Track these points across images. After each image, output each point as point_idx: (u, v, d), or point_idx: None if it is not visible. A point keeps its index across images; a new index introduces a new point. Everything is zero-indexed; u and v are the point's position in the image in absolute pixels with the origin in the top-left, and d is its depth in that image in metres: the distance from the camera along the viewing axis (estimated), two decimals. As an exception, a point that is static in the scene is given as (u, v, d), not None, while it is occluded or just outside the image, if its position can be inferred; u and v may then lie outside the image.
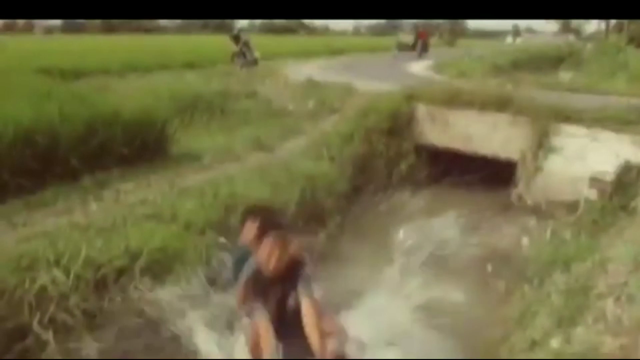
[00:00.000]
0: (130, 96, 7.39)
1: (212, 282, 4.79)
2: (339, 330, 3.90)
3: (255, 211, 4.15)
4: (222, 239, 5.03)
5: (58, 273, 4.32)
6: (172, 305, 4.53)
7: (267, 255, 3.72)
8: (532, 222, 7.43)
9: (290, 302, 3.86)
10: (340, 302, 4.97)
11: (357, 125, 8.45)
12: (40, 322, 4.17)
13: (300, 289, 3.82)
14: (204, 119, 8.98)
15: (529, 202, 8.18)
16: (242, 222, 4.15)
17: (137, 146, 6.80)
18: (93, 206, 5.54)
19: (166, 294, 4.59)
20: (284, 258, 3.78)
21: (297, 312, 3.82)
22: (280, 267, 3.77)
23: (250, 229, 3.99)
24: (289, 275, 3.84)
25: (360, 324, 4.67)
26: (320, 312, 3.89)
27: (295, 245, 3.99)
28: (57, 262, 4.41)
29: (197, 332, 4.48)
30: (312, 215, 6.38)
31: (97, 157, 6.39)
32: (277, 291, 3.85)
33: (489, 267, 6.15)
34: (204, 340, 4.45)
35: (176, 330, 4.46)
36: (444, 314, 4.99)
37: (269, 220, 4.00)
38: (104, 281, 4.47)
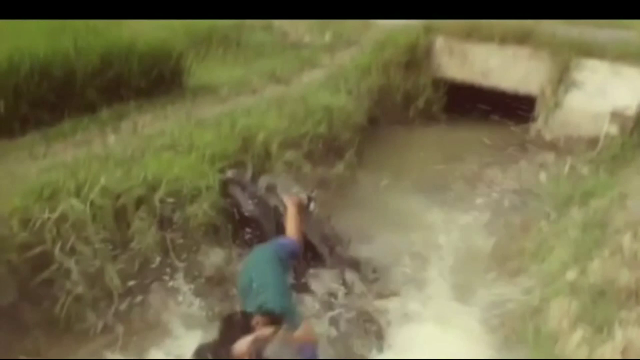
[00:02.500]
0: (145, 29, 7.26)
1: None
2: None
3: None
4: (235, 171, 5.05)
5: (78, 202, 4.37)
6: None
7: None
8: (550, 157, 7.38)
9: None
10: (356, 235, 5.03)
11: (374, 58, 8.30)
12: (62, 250, 4.25)
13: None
14: (220, 52, 8.84)
15: (548, 137, 8.08)
16: None
17: (153, 78, 6.75)
18: (111, 138, 5.56)
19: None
20: None
21: None
22: None
23: None
24: None
25: (376, 252, 4.77)
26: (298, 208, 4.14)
27: None
28: (77, 192, 4.45)
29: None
30: (330, 148, 6.36)
31: (113, 89, 6.36)
32: None
33: (506, 202, 6.14)
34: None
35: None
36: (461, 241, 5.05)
37: None
38: (124, 210, 4.53)
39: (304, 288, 4.46)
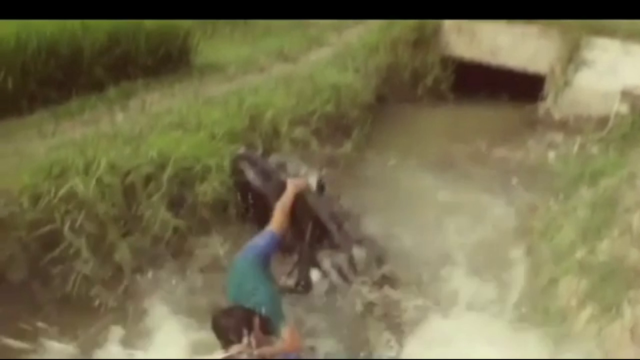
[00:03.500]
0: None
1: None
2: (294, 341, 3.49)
3: None
4: (244, 148, 5.04)
5: (88, 180, 4.39)
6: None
7: None
8: (559, 137, 7.35)
9: None
10: (364, 213, 5.02)
11: (382, 36, 8.24)
12: (71, 228, 4.27)
13: None
14: (227, 30, 8.80)
15: (557, 116, 8.02)
16: None
17: (161, 57, 6.74)
18: (119, 116, 5.56)
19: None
20: None
21: None
22: None
23: None
24: None
25: (385, 230, 4.77)
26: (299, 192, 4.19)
27: None
28: (86, 170, 4.47)
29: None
30: (338, 126, 6.35)
31: (121, 67, 6.36)
32: None
33: (514, 181, 6.12)
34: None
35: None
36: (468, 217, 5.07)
37: None
38: (132, 188, 4.54)
39: (312, 263, 4.48)
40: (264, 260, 3.66)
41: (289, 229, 4.58)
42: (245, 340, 3.12)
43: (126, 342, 4.04)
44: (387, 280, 4.49)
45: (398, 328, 4.13)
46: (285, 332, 3.33)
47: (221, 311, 3.29)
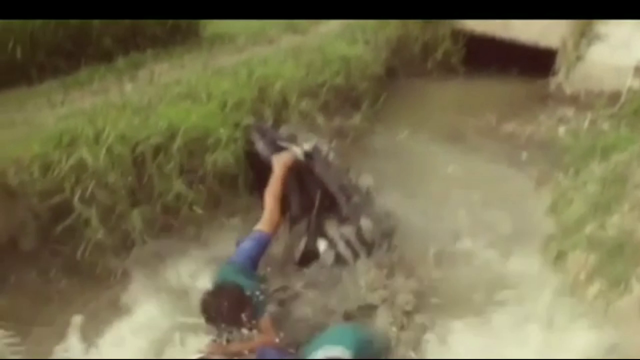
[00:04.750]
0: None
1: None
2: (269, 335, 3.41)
3: None
4: (255, 119, 5.03)
5: (97, 150, 4.39)
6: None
7: None
8: (570, 112, 7.28)
9: None
10: (372, 184, 5.01)
11: (393, 9, 8.17)
12: (81, 198, 4.29)
13: None
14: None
15: (568, 91, 7.93)
16: None
17: (170, 27, 6.69)
18: (128, 86, 5.54)
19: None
20: None
21: None
22: None
23: None
24: None
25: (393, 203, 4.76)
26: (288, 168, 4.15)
27: None
28: (96, 140, 4.47)
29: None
30: (347, 98, 6.32)
31: (130, 38, 6.33)
32: None
33: (524, 155, 6.10)
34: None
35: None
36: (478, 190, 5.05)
37: None
38: (142, 158, 4.54)
39: (320, 233, 4.49)
40: (251, 265, 3.62)
41: (297, 200, 4.61)
42: (244, 317, 3.14)
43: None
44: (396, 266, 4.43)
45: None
46: (263, 324, 3.28)
47: (208, 293, 3.28)
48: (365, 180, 4.93)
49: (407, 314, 3.99)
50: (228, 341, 3.15)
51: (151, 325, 3.95)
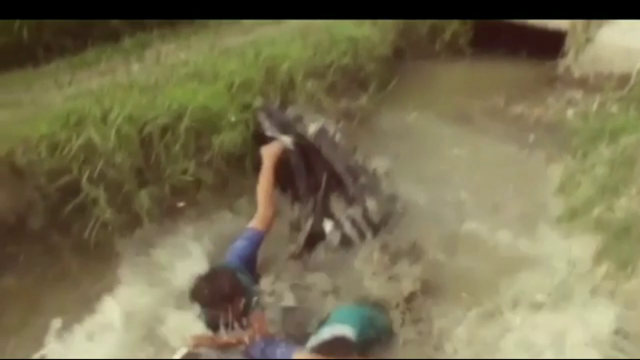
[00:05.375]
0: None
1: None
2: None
3: None
4: (262, 99, 5.02)
5: (105, 130, 4.40)
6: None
7: None
8: (578, 94, 7.22)
9: None
10: (379, 165, 4.99)
11: (401, -10, 8.09)
12: (90, 179, 4.31)
13: None
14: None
15: (577, 74, 7.86)
16: None
17: (177, 7, 6.67)
18: (135, 66, 5.53)
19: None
20: None
21: None
22: None
23: None
24: None
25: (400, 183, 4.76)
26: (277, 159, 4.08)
27: None
28: (103, 120, 4.48)
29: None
30: (354, 79, 6.28)
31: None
32: None
33: (532, 137, 6.07)
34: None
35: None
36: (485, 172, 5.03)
37: None
38: (150, 139, 4.54)
39: (326, 213, 4.50)
40: (244, 265, 3.55)
41: (303, 181, 4.61)
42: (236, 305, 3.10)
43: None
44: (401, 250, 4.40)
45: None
46: (254, 318, 3.23)
47: (200, 277, 3.22)
48: (381, 164, 4.92)
49: (412, 298, 3.97)
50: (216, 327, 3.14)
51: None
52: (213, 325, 3.15)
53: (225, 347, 3.08)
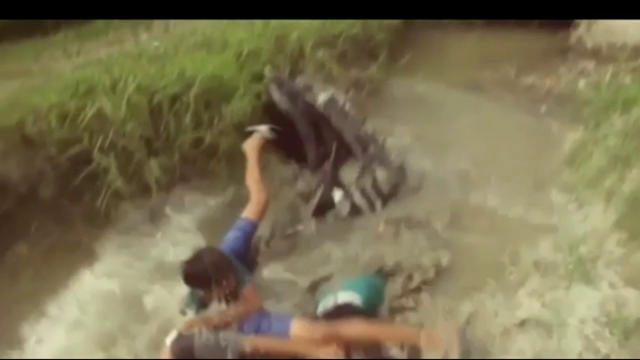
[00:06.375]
0: None
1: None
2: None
3: None
4: (271, 68, 4.98)
5: (115, 99, 4.39)
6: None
7: None
8: (590, 65, 7.13)
9: None
10: (388, 135, 4.97)
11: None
12: (100, 148, 4.32)
13: None
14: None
15: (589, 45, 7.75)
16: None
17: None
18: (143, 36, 5.50)
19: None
20: None
21: None
22: None
23: None
24: None
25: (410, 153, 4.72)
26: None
27: None
28: (113, 89, 4.47)
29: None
30: (364, 49, 6.23)
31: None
32: None
33: (543, 108, 6.01)
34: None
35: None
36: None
37: None
38: (159, 108, 4.53)
39: (335, 183, 4.50)
40: (238, 256, 3.48)
41: (313, 150, 4.60)
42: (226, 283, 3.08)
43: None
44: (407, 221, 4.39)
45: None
46: (246, 292, 3.22)
47: (189, 259, 3.19)
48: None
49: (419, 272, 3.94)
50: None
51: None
52: (204, 305, 3.17)
53: (219, 326, 3.06)
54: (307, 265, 4.00)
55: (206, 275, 3.09)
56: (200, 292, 3.19)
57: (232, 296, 3.16)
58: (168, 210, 4.51)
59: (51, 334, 3.61)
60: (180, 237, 4.32)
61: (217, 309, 3.16)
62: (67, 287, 3.93)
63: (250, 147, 4.12)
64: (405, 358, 3.14)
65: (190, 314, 3.20)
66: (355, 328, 3.11)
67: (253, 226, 3.68)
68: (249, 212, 3.71)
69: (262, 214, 3.76)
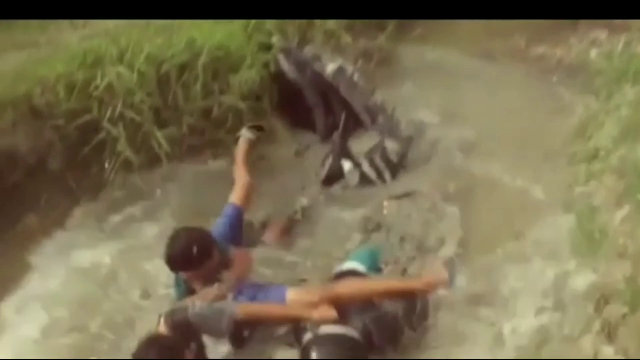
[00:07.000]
0: None
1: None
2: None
3: None
4: (279, 38, 4.94)
5: (122, 69, 4.38)
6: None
7: None
8: (603, 34, 7.01)
9: None
10: (397, 105, 4.94)
11: None
12: (109, 118, 4.33)
13: None
14: None
15: (602, 14, 7.66)
16: None
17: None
18: (149, 5, 5.44)
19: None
20: None
21: None
22: None
23: None
24: None
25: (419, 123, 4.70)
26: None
27: None
28: (120, 59, 4.46)
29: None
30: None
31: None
32: None
33: (554, 78, 5.95)
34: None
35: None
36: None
37: None
38: (167, 77, 4.51)
39: (344, 153, 4.48)
40: (226, 239, 3.39)
41: (322, 120, 4.58)
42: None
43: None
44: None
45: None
46: (235, 255, 3.21)
47: (167, 243, 3.10)
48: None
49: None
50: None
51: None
52: (190, 292, 3.12)
53: (213, 299, 2.99)
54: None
55: (189, 254, 3.01)
56: (184, 275, 3.13)
57: (223, 266, 3.11)
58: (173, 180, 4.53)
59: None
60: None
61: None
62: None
63: (237, 150, 4.08)
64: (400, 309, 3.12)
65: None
66: (351, 285, 3.13)
67: (238, 211, 3.63)
68: (233, 197, 3.69)
69: (246, 198, 3.73)
